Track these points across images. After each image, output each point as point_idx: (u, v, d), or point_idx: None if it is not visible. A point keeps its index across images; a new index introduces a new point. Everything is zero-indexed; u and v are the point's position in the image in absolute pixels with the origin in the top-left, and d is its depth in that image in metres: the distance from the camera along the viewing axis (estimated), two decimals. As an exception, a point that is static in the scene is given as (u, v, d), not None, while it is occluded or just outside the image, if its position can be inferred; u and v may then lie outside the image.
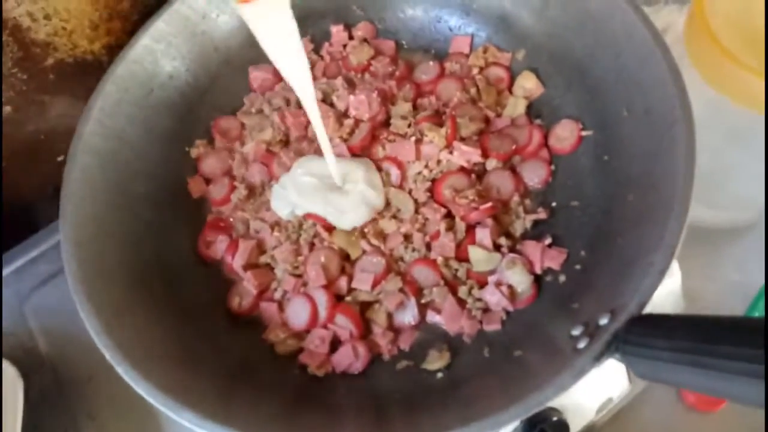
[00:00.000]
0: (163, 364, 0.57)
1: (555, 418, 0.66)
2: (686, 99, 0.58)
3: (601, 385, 0.73)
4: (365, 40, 0.83)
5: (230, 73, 0.81)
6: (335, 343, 0.65)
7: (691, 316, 0.44)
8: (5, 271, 0.79)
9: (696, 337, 0.42)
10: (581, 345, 0.50)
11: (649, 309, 0.50)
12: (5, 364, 0.71)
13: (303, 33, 0.82)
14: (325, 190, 0.69)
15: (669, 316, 0.46)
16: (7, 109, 0.73)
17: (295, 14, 0.81)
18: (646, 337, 0.46)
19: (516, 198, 0.70)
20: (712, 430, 0.79)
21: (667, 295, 0.69)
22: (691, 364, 0.41)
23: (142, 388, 0.53)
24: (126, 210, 0.68)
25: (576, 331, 0.53)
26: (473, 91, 0.76)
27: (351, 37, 0.84)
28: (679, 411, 0.80)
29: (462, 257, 0.67)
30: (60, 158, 0.84)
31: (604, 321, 0.51)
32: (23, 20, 0.67)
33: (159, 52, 0.75)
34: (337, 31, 0.83)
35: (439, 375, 0.61)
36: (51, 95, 0.76)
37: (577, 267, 0.64)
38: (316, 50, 0.84)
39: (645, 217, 0.57)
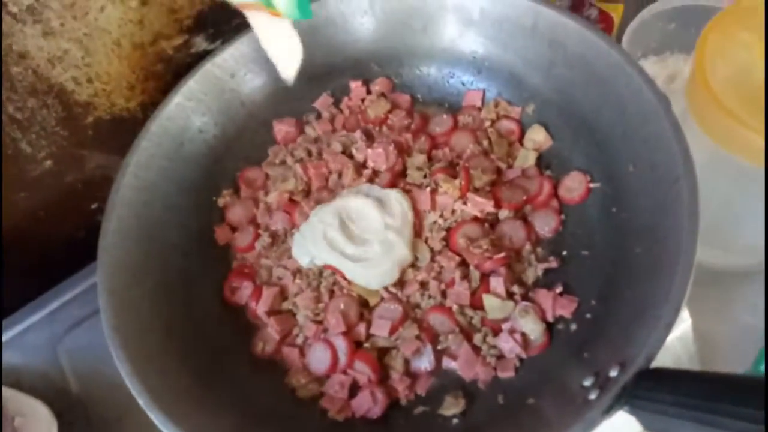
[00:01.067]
0: (191, 409, 0.60)
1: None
2: (689, 156, 0.60)
3: (615, 428, 0.75)
4: (383, 94, 0.88)
5: (255, 127, 0.86)
6: (354, 388, 0.67)
7: (697, 372, 0.46)
8: (41, 314, 0.84)
9: (700, 394, 0.44)
10: (592, 396, 0.52)
11: (661, 352, 0.52)
12: (39, 404, 0.74)
13: (324, 88, 0.89)
14: (342, 243, 0.72)
15: (676, 371, 0.48)
16: (48, 163, 0.79)
17: (317, 71, 0.88)
18: (653, 392, 0.48)
19: (528, 246, 0.73)
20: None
21: (677, 339, 0.71)
22: (695, 420, 0.43)
23: (171, 432, 0.56)
24: (157, 259, 0.72)
25: (587, 382, 0.55)
26: (485, 143, 0.80)
27: (369, 92, 0.88)
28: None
29: (476, 305, 0.69)
30: (94, 206, 0.89)
31: (614, 373, 0.53)
32: (68, 84, 0.73)
33: (190, 109, 0.80)
34: (356, 86, 0.88)
35: (455, 421, 0.63)
36: (89, 150, 0.81)
37: (588, 316, 0.66)
38: (336, 104, 0.89)
39: (652, 270, 0.59)
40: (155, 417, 0.57)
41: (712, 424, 0.42)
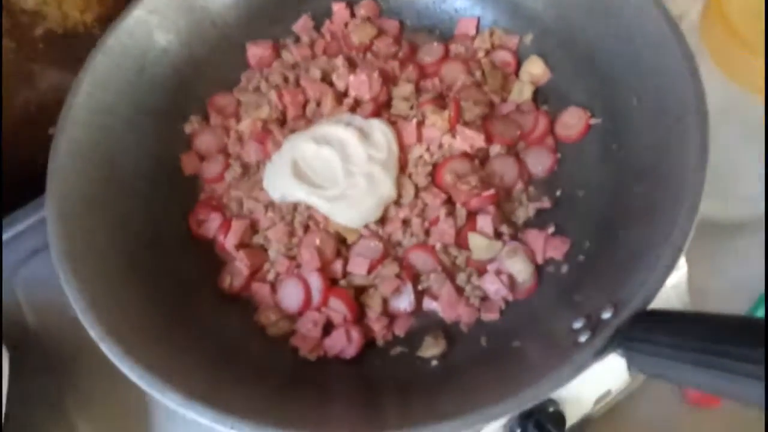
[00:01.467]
0: (150, 343, 0.56)
1: (551, 409, 0.65)
2: (700, 88, 0.56)
3: (600, 377, 0.72)
4: (368, 18, 0.80)
5: (227, 49, 0.78)
6: (328, 327, 0.63)
7: (696, 313, 0.43)
8: (-7, 243, 0.77)
9: (700, 335, 0.41)
10: (582, 339, 0.49)
11: (654, 303, 0.48)
12: (-10, 337, 0.69)
13: (303, 9, 0.81)
14: (318, 177, 0.67)
15: (673, 313, 0.45)
16: (-6, 78, 0.71)
17: None
18: (649, 333, 0.44)
19: (519, 185, 0.68)
20: (712, 428, 0.78)
21: (672, 289, 0.68)
22: (693, 362, 0.40)
23: (125, 366, 0.51)
24: (116, 185, 0.66)
25: (577, 324, 0.52)
26: (478, 74, 0.74)
27: (353, 15, 0.81)
28: (679, 407, 0.79)
29: (462, 244, 0.65)
30: (51, 131, 0.82)
31: (606, 315, 0.49)
32: (12, -14, 0.65)
33: (153, 25, 0.72)
34: (339, 8, 0.81)
35: (434, 363, 0.60)
36: (40, 65, 0.73)
37: (581, 258, 0.62)
38: (317, 28, 0.81)
39: (653, 210, 0.55)
40: (108, 350, 0.52)
41: (711, 365, 0.38)
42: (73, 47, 0.73)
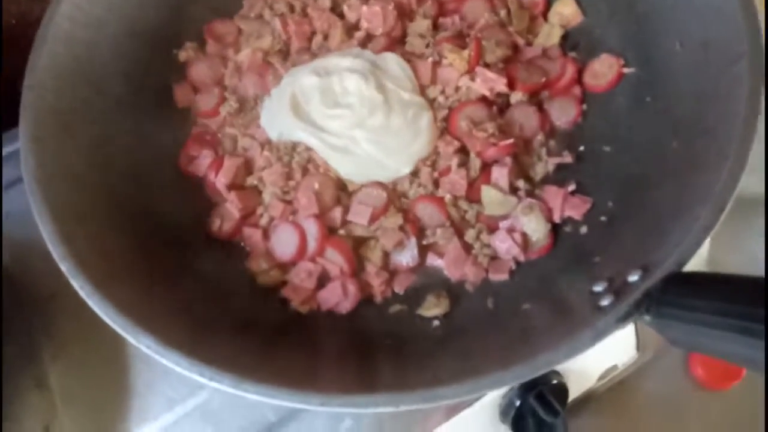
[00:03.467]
0: (128, 283, 0.51)
1: (555, 381, 0.61)
2: (756, 29, 0.49)
3: (607, 350, 0.68)
4: (386, -54, 0.73)
5: (230, -30, 0.71)
6: (323, 279, 0.59)
7: (742, 276, 0.37)
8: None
9: (749, 300, 0.35)
10: (604, 303, 0.44)
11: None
12: (-39, 271, 0.64)
13: (316, -70, 0.74)
14: (321, 114, 0.61)
15: (715, 275, 0.39)
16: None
17: None
18: (686, 298, 0.39)
19: (540, 137, 0.63)
20: (719, 409, 0.74)
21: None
22: (741, 331, 0.35)
23: (98, 306, 0.46)
24: (99, 110, 0.60)
25: (598, 288, 0.47)
26: (503, 13, 0.67)
27: (370, -58, 0.73)
28: (685, 386, 0.75)
29: (473, 198, 0.60)
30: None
31: (633, 278, 0.44)
32: None
33: (149, -66, 0.65)
34: (354, -69, 0.73)
35: (435, 323, 0.55)
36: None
37: (602, 219, 0.57)
38: (329, -48, 0.74)
39: (692, 166, 0.49)
40: (80, 288, 0.47)
41: (756, 334, 0.33)
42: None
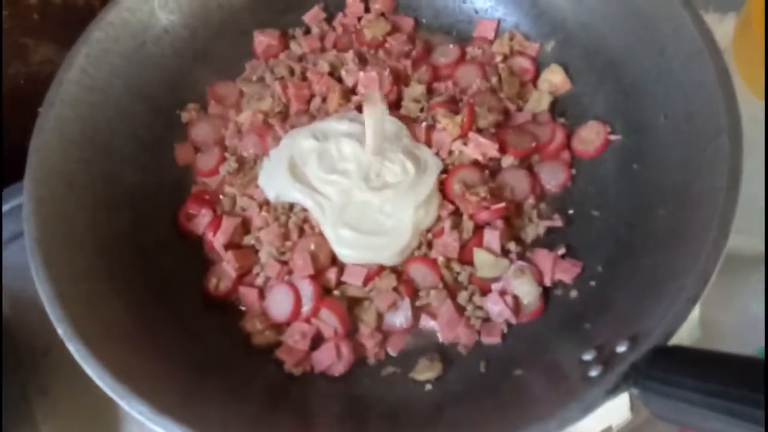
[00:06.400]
0: (122, 345, 0.51)
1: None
2: (735, 106, 0.51)
3: (601, 411, 0.68)
4: (383, 14, 0.76)
5: (233, 35, 0.74)
6: (317, 340, 0.59)
7: (733, 354, 0.38)
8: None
9: (736, 381, 0.36)
10: (593, 373, 0.44)
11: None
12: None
13: (316, 0, 0.77)
14: (319, 177, 0.63)
15: (705, 352, 0.40)
16: (-17, 48, 0.67)
17: None
18: (672, 373, 0.40)
19: (531, 201, 0.64)
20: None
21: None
22: (728, 412, 0.35)
23: (92, 370, 0.47)
24: (101, 171, 0.62)
25: (587, 356, 0.47)
26: (494, 80, 0.70)
27: (367, 10, 0.77)
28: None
29: (466, 260, 0.61)
30: (41, 108, 0.78)
31: (621, 348, 0.45)
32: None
33: (156, 2, 0.68)
34: (353, 1, 0.77)
35: (428, 387, 0.56)
36: (35, 38, 0.69)
37: (592, 283, 0.58)
38: (329, 20, 0.77)
39: (677, 236, 0.51)
40: (75, 351, 0.48)
41: (750, 418, 0.34)
42: (70, 20, 0.69)
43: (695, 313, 0.66)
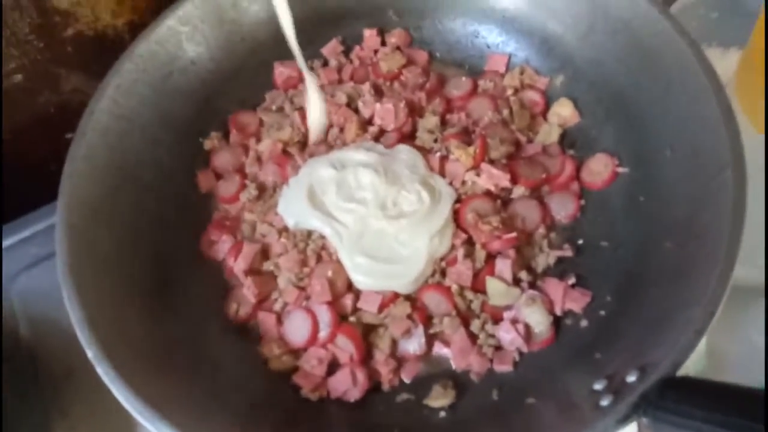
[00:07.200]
0: (147, 368, 0.53)
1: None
2: (739, 142, 0.53)
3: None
4: (398, 47, 0.79)
5: (255, 66, 0.77)
6: (333, 366, 0.60)
7: (742, 386, 0.39)
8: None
9: (740, 412, 0.37)
10: (604, 403, 0.46)
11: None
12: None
13: (334, 33, 0.81)
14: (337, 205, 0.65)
15: (713, 383, 0.41)
16: (18, 77, 0.70)
17: (329, 13, 0.79)
18: (681, 404, 0.41)
19: (541, 230, 0.66)
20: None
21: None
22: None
23: (120, 393, 0.49)
24: (128, 197, 0.64)
25: (598, 386, 0.49)
26: (506, 112, 0.72)
27: (384, 43, 0.80)
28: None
29: (478, 288, 0.62)
30: (68, 135, 0.81)
31: (631, 378, 0.46)
32: (46, -14, 0.64)
33: (184, 36, 0.71)
34: (370, 35, 0.80)
35: (442, 414, 0.57)
36: (66, 68, 0.73)
37: (602, 313, 0.59)
38: (346, 53, 0.80)
39: (684, 268, 0.52)
40: (104, 374, 0.49)
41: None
42: (101, 52, 0.73)
43: (702, 343, 0.67)
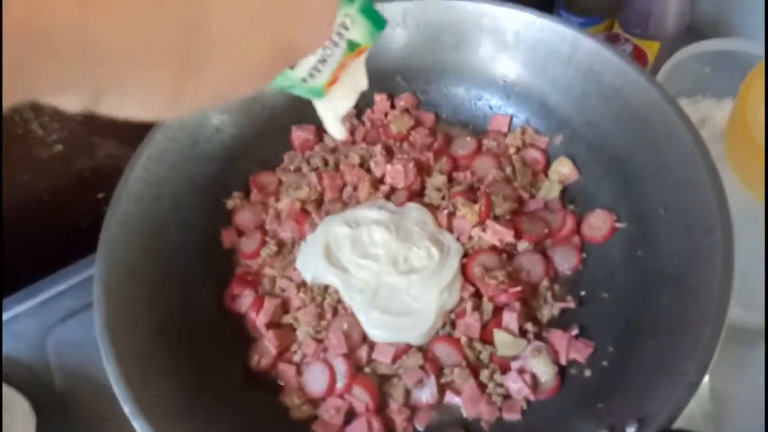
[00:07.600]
0: (177, 421, 0.57)
1: None
2: (725, 205, 0.57)
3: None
4: (407, 110, 0.85)
5: (274, 131, 0.83)
6: (350, 415, 0.64)
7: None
8: (33, 302, 0.80)
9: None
10: (606, 452, 0.49)
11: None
12: (20, 397, 0.71)
13: (347, 98, 0.87)
14: (352, 262, 0.69)
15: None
16: (58, 147, 0.76)
17: None
18: (676, 456, 0.44)
19: (545, 282, 0.70)
20: None
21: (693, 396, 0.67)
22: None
23: (153, 445, 0.52)
24: (158, 257, 0.69)
25: (601, 436, 0.52)
26: (509, 170, 0.77)
27: (393, 106, 0.86)
28: None
29: (486, 339, 0.66)
30: (100, 195, 0.87)
31: (631, 430, 0.49)
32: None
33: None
34: (380, 99, 0.86)
35: (454, 461, 0.60)
36: (101, 137, 0.79)
37: (604, 363, 0.62)
38: (358, 116, 0.86)
39: (679, 322, 0.56)
40: (139, 427, 0.53)
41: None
42: (133, 122, 0.79)
43: (705, 387, 0.70)
